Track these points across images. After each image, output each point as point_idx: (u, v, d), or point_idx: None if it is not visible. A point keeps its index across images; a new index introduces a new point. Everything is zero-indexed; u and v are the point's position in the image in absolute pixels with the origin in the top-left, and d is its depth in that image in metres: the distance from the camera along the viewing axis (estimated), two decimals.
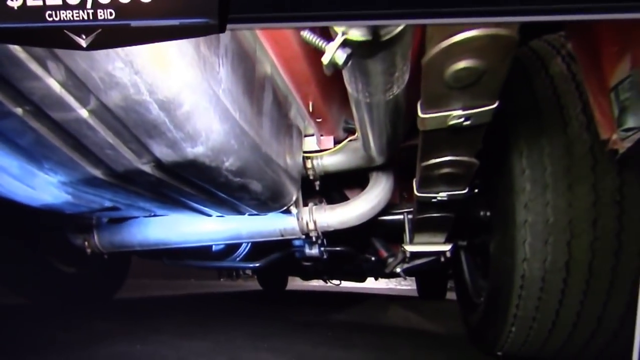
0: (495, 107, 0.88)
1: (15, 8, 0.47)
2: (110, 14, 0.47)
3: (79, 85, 0.78)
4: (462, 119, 0.90)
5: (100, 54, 0.71)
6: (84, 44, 0.48)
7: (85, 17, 0.47)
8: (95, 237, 1.96)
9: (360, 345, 1.76)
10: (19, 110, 0.86)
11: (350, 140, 1.53)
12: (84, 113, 0.85)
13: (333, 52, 0.65)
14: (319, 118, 1.37)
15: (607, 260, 1.15)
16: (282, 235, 1.80)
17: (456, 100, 0.86)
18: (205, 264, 2.47)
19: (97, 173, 1.08)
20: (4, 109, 0.85)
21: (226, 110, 0.90)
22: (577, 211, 1.16)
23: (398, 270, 2.29)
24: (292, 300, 4.43)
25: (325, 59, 0.66)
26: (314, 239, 1.80)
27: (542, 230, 1.21)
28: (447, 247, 1.85)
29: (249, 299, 4.31)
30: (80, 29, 0.48)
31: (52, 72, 0.76)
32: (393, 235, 2.16)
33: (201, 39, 0.79)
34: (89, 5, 0.47)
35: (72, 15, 0.47)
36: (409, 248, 1.92)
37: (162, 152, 0.94)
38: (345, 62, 0.66)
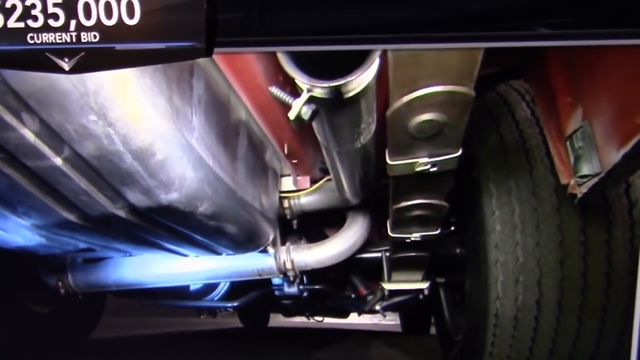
0: (459, 155, 0.92)
1: None
2: (95, 36, 0.46)
3: (53, 136, 0.79)
4: (428, 166, 0.94)
5: (74, 107, 0.73)
6: (66, 67, 0.47)
7: (69, 40, 0.46)
8: (70, 277, 1.92)
9: None
10: None
11: (327, 181, 1.56)
12: (58, 161, 0.86)
13: (299, 108, 0.68)
14: (295, 159, 1.40)
15: (575, 299, 1.19)
16: (260, 275, 1.79)
17: (421, 149, 0.90)
18: (183, 304, 2.42)
19: (71, 217, 1.08)
20: None
21: (199, 158, 0.92)
22: (544, 251, 1.20)
23: (377, 307, 2.28)
24: (274, 338, 4.34)
25: (291, 115, 0.69)
26: (291, 278, 1.80)
27: (513, 270, 1.24)
28: (424, 285, 1.86)
29: (230, 337, 4.21)
30: (63, 52, 0.47)
31: (27, 124, 0.78)
32: (372, 272, 2.17)
33: (174, 90, 0.82)
34: (72, 27, 0.46)
35: (55, 38, 0.46)
36: (387, 286, 1.93)
37: (137, 198, 0.95)
38: (311, 118, 0.69)
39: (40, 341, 2.44)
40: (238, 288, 2.35)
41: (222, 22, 0.48)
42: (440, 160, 0.93)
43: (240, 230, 1.27)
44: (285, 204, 1.62)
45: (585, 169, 0.88)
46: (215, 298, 2.35)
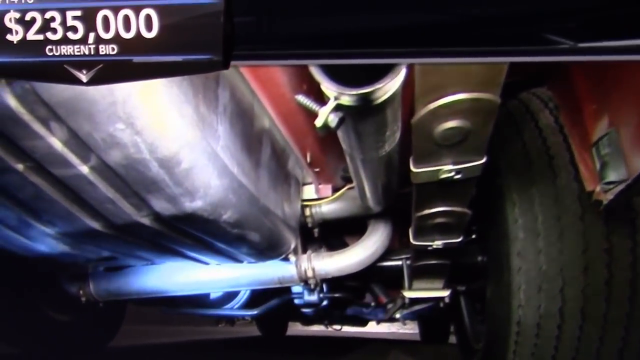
0: (484, 162, 0.91)
1: (15, 42, 0.47)
2: (113, 49, 0.46)
3: (80, 145, 0.81)
4: (452, 173, 0.93)
5: (102, 116, 0.74)
6: (84, 79, 0.48)
7: (87, 52, 0.47)
8: (91, 285, 1.94)
9: None
10: (19, 166, 0.89)
11: (349, 189, 1.55)
12: (84, 170, 0.88)
13: (326, 116, 0.68)
14: (317, 168, 1.41)
15: (599, 307, 1.16)
16: (281, 283, 1.79)
17: (445, 156, 0.89)
18: (203, 312, 2.43)
19: (95, 225, 1.10)
20: (5, 165, 0.88)
21: (224, 166, 0.93)
22: (568, 259, 1.18)
23: (397, 315, 2.26)
24: (292, 347, 4.32)
25: (318, 122, 0.69)
26: (312, 286, 1.79)
27: (536, 278, 1.22)
28: (445, 293, 1.84)
29: (248, 346, 4.21)
30: (81, 64, 0.47)
31: (55, 133, 0.79)
32: (392, 280, 2.15)
33: (200, 99, 0.83)
34: (91, 40, 0.46)
35: (74, 50, 0.47)
36: (408, 294, 1.91)
37: (161, 206, 0.96)
38: (338, 126, 0.69)
39: (60, 349, 2.47)
40: (258, 296, 2.36)
41: (239, 35, 0.48)
42: (465, 168, 0.92)
43: (263, 238, 1.28)
44: (307, 212, 1.62)
45: (611, 176, 0.86)
46: (235, 306, 2.35)
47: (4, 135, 0.79)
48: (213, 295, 2.38)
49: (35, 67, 0.47)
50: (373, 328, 6.29)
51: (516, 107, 1.37)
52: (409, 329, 6.97)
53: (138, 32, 0.46)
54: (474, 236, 1.71)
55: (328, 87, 0.65)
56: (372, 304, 2.46)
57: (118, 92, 0.69)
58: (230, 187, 0.97)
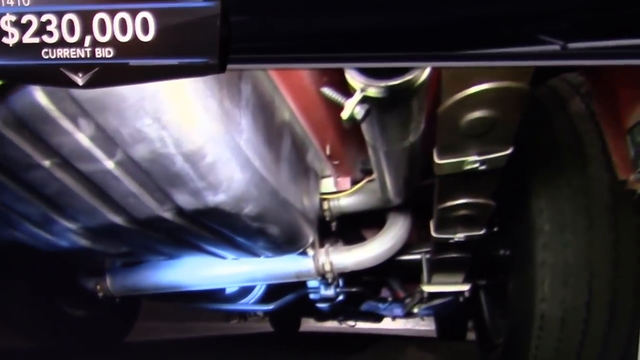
0: (510, 153, 0.92)
1: (11, 45, 0.48)
2: (109, 52, 0.47)
3: (107, 140, 0.84)
4: (477, 164, 0.94)
5: (130, 111, 0.77)
6: (80, 82, 0.48)
7: (83, 55, 0.47)
8: (108, 280, 1.99)
9: None
10: (46, 163, 0.93)
11: (368, 182, 1.57)
12: (109, 165, 0.91)
13: (352, 108, 0.70)
14: (336, 160, 1.42)
15: (629, 302, 1.16)
16: (298, 277, 1.82)
17: (471, 147, 0.90)
18: (218, 307, 2.48)
19: (118, 220, 1.13)
20: (32, 161, 0.92)
21: (247, 159, 0.95)
22: (597, 251, 1.18)
23: (415, 310, 2.28)
24: (305, 343, 4.37)
25: (344, 115, 0.71)
26: (329, 280, 1.82)
27: (561, 271, 1.22)
28: (465, 287, 1.85)
29: (261, 342, 4.26)
30: (77, 67, 0.48)
31: (82, 128, 0.82)
32: (410, 274, 2.17)
33: (224, 93, 0.86)
34: (87, 43, 0.47)
35: (70, 53, 0.47)
36: (427, 288, 1.92)
37: (184, 200, 0.99)
38: (364, 117, 0.71)
39: (76, 344, 2.54)
40: (273, 291, 2.39)
41: (236, 39, 0.49)
42: (490, 159, 0.93)
43: (282, 232, 1.30)
44: (325, 205, 1.64)
45: None
46: (251, 301, 2.39)
47: (32, 132, 0.82)
48: (228, 290, 2.42)
49: (31, 70, 0.48)
50: (388, 324, 6.31)
51: (545, 93, 1.35)
52: (425, 326, 6.99)
53: (134, 36, 0.47)
54: (496, 228, 1.71)
55: (355, 79, 0.66)
56: (389, 298, 2.48)
57: (147, 87, 0.72)
58: (252, 181, 1.00)
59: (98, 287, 2.03)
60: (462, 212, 1.20)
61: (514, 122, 0.84)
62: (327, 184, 1.61)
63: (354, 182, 1.59)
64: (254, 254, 1.55)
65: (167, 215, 1.08)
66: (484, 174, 0.99)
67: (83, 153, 0.87)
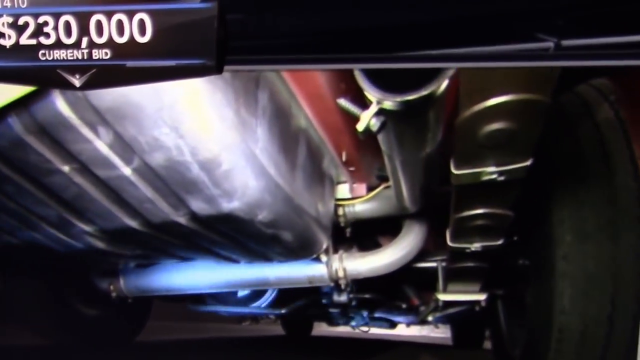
0: (530, 164, 0.92)
1: (8, 47, 0.48)
2: (106, 53, 0.48)
3: (125, 148, 0.87)
4: (495, 175, 0.94)
5: (149, 121, 0.79)
6: (77, 83, 0.49)
7: (80, 57, 0.48)
8: (121, 281, 2.04)
9: None
10: (65, 168, 0.96)
11: (384, 188, 1.58)
12: (127, 171, 0.93)
13: (368, 120, 0.71)
14: (352, 167, 1.44)
15: None
16: (311, 283, 1.83)
17: (489, 157, 0.90)
18: (230, 310, 2.51)
19: (133, 224, 1.16)
20: (51, 166, 0.95)
21: (262, 167, 0.97)
22: (621, 263, 1.17)
23: (430, 318, 2.28)
24: (317, 348, 4.39)
25: (360, 126, 0.72)
26: (342, 286, 1.83)
27: (582, 283, 1.21)
28: (482, 297, 1.85)
29: (273, 345, 4.29)
30: (74, 69, 0.49)
31: (101, 136, 0.85)
32: (425, 282, 2.17)
33: (241, 103, 0.87)
34: (84, 44, 0.47)
35: (67, 55, 0.48)
36: (442, 297, 1.92)
37: (199, 206, 1.01)
38: (380, 129, 0.72)
39: (89, 342, 2.60)
40: (285, 295, 2.41)
41: (233, 40, 0.49)
42: (509, 170, 0.93)
43: (296, 238, 1.32)
44: (340, 211, 1.65)
45: None
46: (263, 305, 2.42)
47: (53, 138, 0.85)
48: (240, 293, 2.45)
49: (28, 71, 0.49)
50: (402, 331, 6.30)
51: (570, 100, 1.33)
52: (441, 333, 6.95)
53: (131, 37, 0.47)
54: (515, 237, 1.71)
55: (371, 93, 0.68)
56: (404, 306, 2.48)
57: (166, 97, 0.74)
58: (267, 188, 1.02)
59: (111, 287, 2.08)
60: (480, 222, 1.20)
61: (535, 134, 0.84)
62: (343, 190, 1.62)
63: (370, 189, 1.60)
64: (267, 258, 1.56)
65: (182, 220, 1.11)
66: (502, 185, 0.99)
67: (101, 159, 0.90)
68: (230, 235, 1.24)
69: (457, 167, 0.95)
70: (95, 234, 1.27)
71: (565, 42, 0.54)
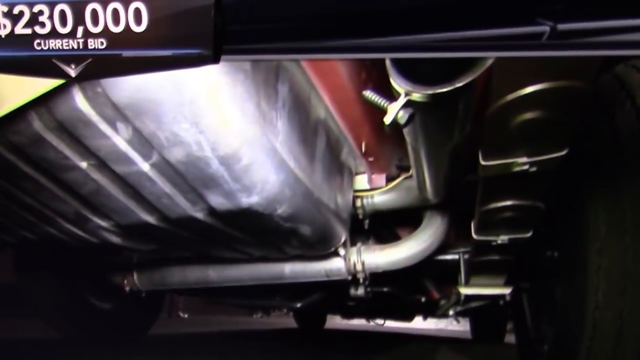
0: (565, 154, 0.91)
1: (3, 36, 0.49)
2: (102, 43, 0.48)
3: (144, 143, 0.88)
4: (527, 166, 0.94)
5: (168, 116, 0.80)
6: (73, 73, 0.50)
7: (76, 47, 0.48)
8: (135, 275, 2.08)
9: None
10: (83, 164, 0.97)
11: (405, 179, 1.57)
12: (145, 167, 0.95)
13: (395, 113, 0.71)
14: (372, 157, 1.43)
15: None
16: (328, 276, 1.85)
17: (521, 148, 0.90)
18: (244, 302, 2.54)
19: (150, 219, 1.18)
20: (70, 163, 0.97)
21: (282, 161, 0.97)
22: None
23: (451, 312, 2.29)
24: (331, 342, 4.42)
25: (387, 119, 0.72)
26: (360, 280, 1.84)
27: (619, 278, 1.20)
28: (506, 290, 1.85)
29: (284, 338, 4.34)
30: (70, 59, 0.49)
31: (120, 132, 0.86)
32: (446, 275, 2.17)
33: (262, 96, 0.88)
34: (79, 34, 0.48)
35: (62, 45, 0.48)
36: (464, 290, 1.92)
37: (217, 201, 1.02)
38: (408, 122, 0.72)
39: (100, 336, 2.67)
40: (301, 287, 2.43)
41: (230, 29, 0.50)
42: (542, 160, 0.92)
43: (314, 232, 1.33)
44: (358, 203, 1.65)
45: None
46: (278, 298, 2.44)
47: (72, 135, 0.86)
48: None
49: (23, 61, 0.50)
50: (419, 324, 6.32)
51: (608, 83, 1.30)
52: (459, 326, 6.97)
53: (127, 26, 0.48)
54: (543, 229, 1.69)
55: (400, 85, 0.67)
56: (423, 299, 2.49)
57: (186, 92, 0.75)
58: (286, 182, 1.02)
59: (125, 281, 2.12)
60: (507, 214, 1.20)
61: (573, 124, 0.83)
62: (361, 181, 1.62)
63: (389, 179, 1.60)
64: (283, 252, 1.58)
65: (199, 215, 1.12)
66: (534, 176, 0.99)
67: (120, 155, 0.91)
68: (248, 230, 1.25)
69: (486, 158, 0.94)
70: (112, 229, 1.29)
71: (561, 27, 0.54)
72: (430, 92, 0.65)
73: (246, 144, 0.86)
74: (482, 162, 0.96)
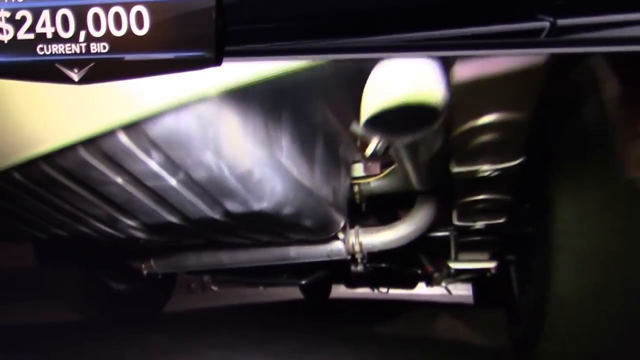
0: (521, 162, 1.14)
1: (6, 42, 0.50)
2: (104, 47, 0.50)
3: (173, 165, 1.11)
4: (489, 172, 1.17)
5: (195, 147, 1.03)
6: (75, 77, 0.51)
7: (78, 51, 0.50)
8: (152, 260, 2.35)
9: None
10: (119, 180, 1.21)
11: (397, 166, 1.80)
12: (173, 182, 1.18)
13: (374, 146, 0.94)
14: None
15: None
16: (329, 257, 2.11)
17: (483, 160, 1.13)
18: (252, 280, 2.81)
19: (173, 219, 1.42)
20: (107, 179, 1.20)
21: (287, 172, 1.21)
22: (614, 241, 1.36)
23: (444, 284, 2.55)
24: (336, 310, 4.71)
25: (367, 152, 0.95)
26: (359, 259, 2.10)
27: (578, 259, 1.43)
28: (492, 265, 2.10)
29: (291, 310, 4.61)
30: (72, 63, 0.50)
31: (153, 157, 1.09)
32: (439, 250, 2.43)
33: (269, 124, 1.10)
34: (81, 38, 0.49)
35: (64, 49, 0.50)
36: (454, 265, 2.19)
37: (233, 206, 1.26)
38: (385, 152, 0.95)
39: (118, 316, 2.96)
40: (306, 265, 2.70)
41: (231, 31, 0.52)
42: (502, 167, 1.16)
43: (316, 222, 1.57)
44: (355, 188, 1.89)
45: None
46: (284, 275, 2.72)
47: (112, 160, 1.10)
48: None
49: (26, 66, 0.51)
50: (423, 290, 6.60)
51: (581, 75, 1.35)
52: (463, 290, 7.24)
53: (129, 30, 0.49)
54: (526, 205, 1.90)
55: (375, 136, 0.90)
56: (419, 272, 2.76)
57: (210, 130, 0.98)
58: (291, 188, 1.26)
59: (143, 265, 2.39)
60: (482, 205, 1.44)
61: (522, 140, 1.06)
62: (358, 169, 1.86)
63: (384, 166, 1.83)
64: (288, 238, 1.83)
65: (217, 216, 1.36)
66: (499, 177, 1.22)
67: (151, 174, 1.15)
68: (257, 225, 1.50)
69: (456, 166, 1.18)
70: (139, 227, 1.54)
71: (561, 22, 0.55)
72: (399, 140, 0.88)
73: (258, 164, 1.10)
74: (453, 169, 1.19)
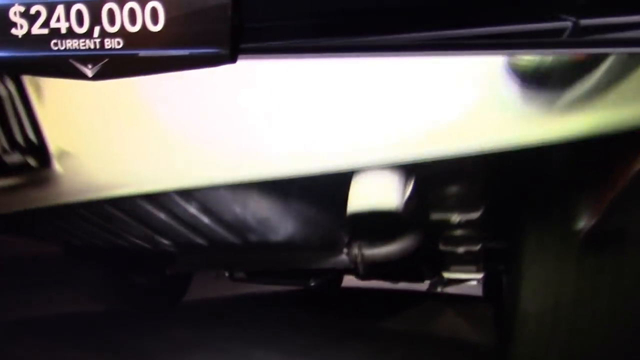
0: (479, 215, 1.52)
1: (20, 37, 0.52)
2: (118, 43, 0.51)
3: (207, 211, 1.50)
4: (458, 220, 1.55)
5: (222, 198, 1.42)
6: (89, 73, 0.52)
7: (92, 47, 0.51)
8: (175, 261, 2.76)
9: None
10: (161, 215, 1.61)
11: None
12: (205, 220, 1.56)
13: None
14: None
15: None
16: (334, 266, 2.50)
17: (449, 213, 1.51)
18: (263, 280, 3.24)
19: (199, 241, 1.81)
20: (150, 214, 1.60)
21: (298, 212, 1.60)
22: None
23: (439, 290, 2.92)
24: (345, 301, 5.00)
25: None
26: (361, 269, 2.49)
27: (541, 284, 1.77)
28: (479, 275, 2.47)
29: (300, 300, 4.89)
30: (86, 59, 0.52)
31: (192, 204, 1.49)
32: (437, 259, 2.80)
33: None
34: (96, 34, 0.51)
35: (79, 45, 0.51)
36: (446, 275, 2.56)
37: (251, 237, 1.66)
38: None
39: (139, 307, 3.39)
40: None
41: (248, 28, 0.53)
42: (466, 219, 1.54)
43: (322, 245, 1.97)
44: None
45: None
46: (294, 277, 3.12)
47: (159, 204, 1.50)
48: None
49: (40, 61, 0.52)
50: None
51: None
52: (474, 282, 7.43)
53: (144, 26, 0.51)
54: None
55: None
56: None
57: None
58: (301, 224, 1.65)
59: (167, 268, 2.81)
60: (460, 236, 1.82)
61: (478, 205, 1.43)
62: None
63: None
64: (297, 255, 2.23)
65: (236, 241, 1.76)
66: (468, 222, 1.60)
67: (189, 215, 1.55)
68: (272, 249, 1.90)
69: (431, 215, 1.56)
70: (170, 245, 1.95)
71: (584, 22, 0.55)
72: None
73: (276, 212, 1.49)
74: (430, 216, 1.57)
